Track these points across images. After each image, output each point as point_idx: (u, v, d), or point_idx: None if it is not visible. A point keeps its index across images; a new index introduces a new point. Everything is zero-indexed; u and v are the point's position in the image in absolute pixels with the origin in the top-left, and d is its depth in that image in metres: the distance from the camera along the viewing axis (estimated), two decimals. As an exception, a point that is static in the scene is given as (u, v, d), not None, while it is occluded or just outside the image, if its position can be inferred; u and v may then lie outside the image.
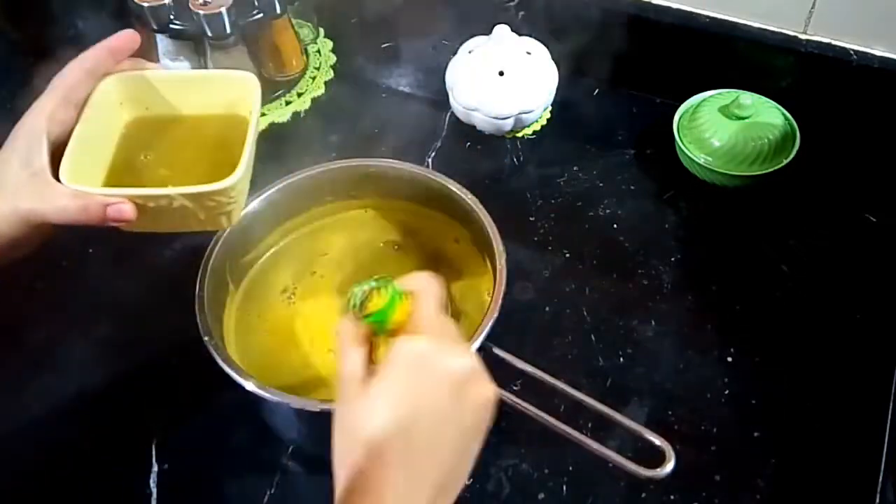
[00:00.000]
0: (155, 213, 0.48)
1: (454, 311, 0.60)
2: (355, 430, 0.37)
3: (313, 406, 0.50)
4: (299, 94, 0.84)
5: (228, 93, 0.53)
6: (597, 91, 0.83)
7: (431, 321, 0.40)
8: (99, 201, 0.45)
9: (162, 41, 0.77)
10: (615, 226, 0.72)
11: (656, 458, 0.47)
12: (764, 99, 0.73)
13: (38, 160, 0.45)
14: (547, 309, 0.66)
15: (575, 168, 0.76)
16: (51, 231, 0.47)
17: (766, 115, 0.72)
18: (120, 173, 0.51)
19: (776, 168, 0.70)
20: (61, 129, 0.47)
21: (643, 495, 0.56)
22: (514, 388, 0.55)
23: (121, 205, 0.45)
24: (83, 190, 0.45)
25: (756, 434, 0.59)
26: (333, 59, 0.88)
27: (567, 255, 0.70)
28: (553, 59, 0.78)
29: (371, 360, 0.40)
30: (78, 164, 0.47)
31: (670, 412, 0.60)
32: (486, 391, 0.40)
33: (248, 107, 0.52)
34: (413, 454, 0.37)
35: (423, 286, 0.42)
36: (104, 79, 0.50)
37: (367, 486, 0.36)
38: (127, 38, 0.50)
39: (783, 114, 0.73)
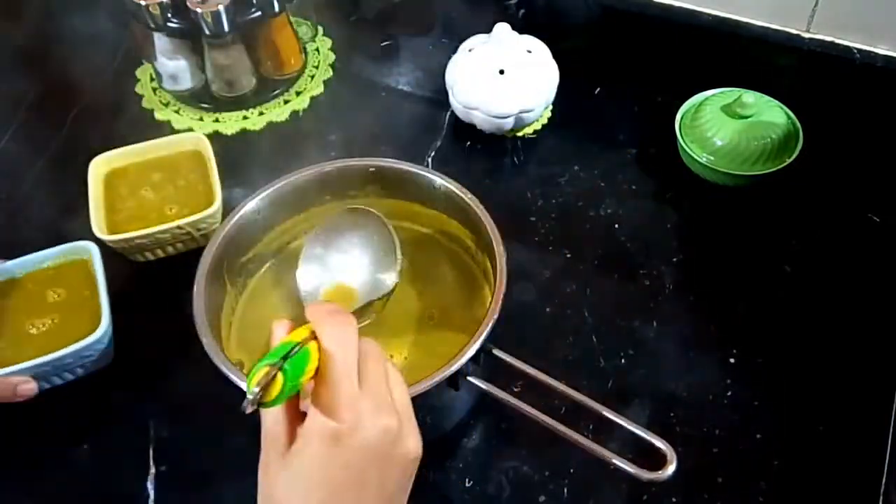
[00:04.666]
0: (160, 243, 0.65)
1: (442, 314, 0.60)
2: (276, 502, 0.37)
3: (312, 408, 0.49)
4: (298, 93, 0.84)
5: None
6: (598, 90, 0.83)
7: (342, 385, 0.37)
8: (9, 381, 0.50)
9: (160, 39, 0.77)
10: (616, 226, 0.71)
11: (658, 460, 0.47)
12: (766, 98, 0.72)
13: None
14: (548, 310, 0.66)
15: (576, 167, 0.76)
16: None
17: (768, 114, 0.71)
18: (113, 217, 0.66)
19: (779, 167, 0.69)
20: None
21: (645, 497, 0.56)
22: (515, 389, 0.55)
23: (25, 384, 0.53)
24: None
25: (758, 436, 0.58)
26: (332, 57, 0.87)
27: (568, 256, 0.69)
28: (554, 57, 0.77)
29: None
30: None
31: (672, 414, 0.59)
32: (409, 450, 0.39)
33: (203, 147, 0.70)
34: None
35: (335, 337, 0.38)
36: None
37: None
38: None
39: (786, 113, 0.72)
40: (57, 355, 0.57)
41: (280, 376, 0.36)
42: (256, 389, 0.35)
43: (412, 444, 0.39)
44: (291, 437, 0.38)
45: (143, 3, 0.72)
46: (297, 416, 0.39)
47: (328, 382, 0.37)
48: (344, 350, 0.38)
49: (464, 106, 0.76)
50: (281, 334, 0.40)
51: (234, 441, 0.59)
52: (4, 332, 0.60)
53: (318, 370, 0.38)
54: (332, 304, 0.41)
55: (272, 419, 0.38)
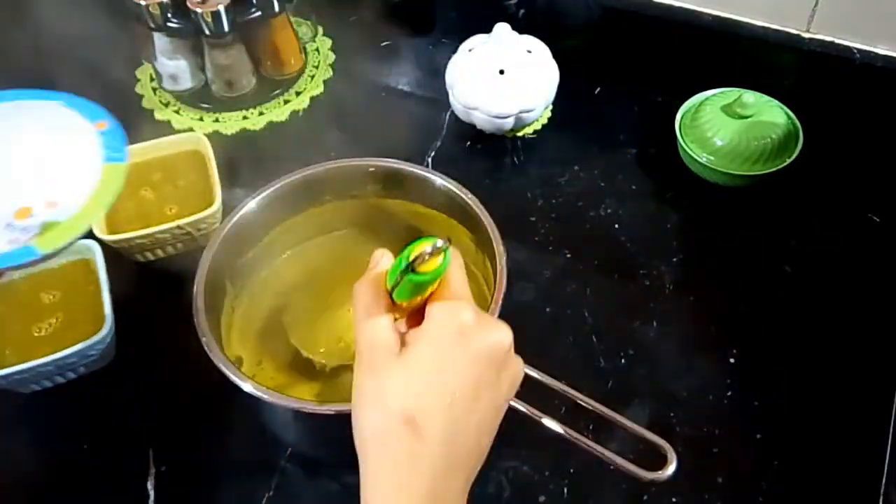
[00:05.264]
0: (160, 243, 0.65)
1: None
2: (391, 403, 0.35)
3: (312, 408, 0.49)
4: (298, 93, 0.83)
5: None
6: (598, 90, 0.83)
7: (466, 291, 0.39)
8: None
9: (159, 39, 0.77)
10: (616, 226, 0.71)
11: (658, 460, 0.47)
12: (766, 98, 0.72)
13: None
14: (548, 310, 0.66)
15: (576, 167, 0.76)
16: None
17: (768, 114, 0.71)
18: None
19: (779, 167, 0.69)
20: None
21: (645, 497, 0.55)
22: (515, 389, 0.55)
23: None
24: None
25: (758, 436, 0.58)
26: (332, 57, 0.87)
27: (568, 256, 0.69)
28: (554, 57, 0.77)
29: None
30: None
31: (672, 414, 0.59)
32: (518, 368, 0.40)
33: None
34: (454, 432, 0.36)
35: (453, 256, 0.39)
36: None
37: (404, 461, 0.35)
38: None
39: (786, 113, 0.72)
40: (60, 355, 0.57)
41: (442, 256, 0.36)
42: (431, 247, 0.36)
43: (519, 363, 0.40)
44: (401, 343, 0.37)
45: (143, 3, 0.72)
46: (405, 327, 0.39)
47: (450, 287, 0.38)
48: (458, 265, 0.39)
49: (464, 106, 0.76)
50: (387, 262, 0.40)
51: (234, 441, 0.59)
52: (9, 334, 0.60)
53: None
54: None
55: (382, 326, 0.37)
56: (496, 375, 0.38)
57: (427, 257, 0.36)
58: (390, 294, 0.38)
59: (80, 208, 0.46)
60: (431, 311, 0.37)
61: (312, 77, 0.85)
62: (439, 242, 0.36)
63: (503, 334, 0.38)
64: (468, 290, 0.39)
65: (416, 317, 0.39)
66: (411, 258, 0.36)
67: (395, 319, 0.39)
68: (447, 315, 0.37)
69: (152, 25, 0.74)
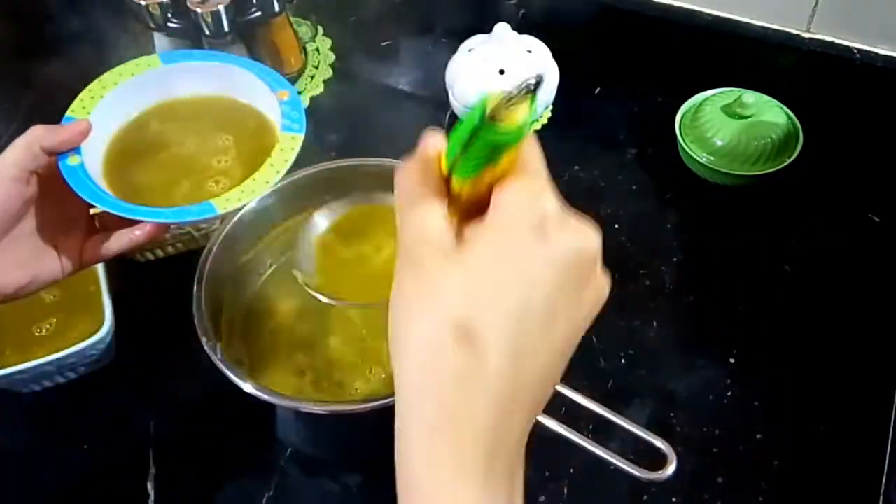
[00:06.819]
0: (160, 243, 0.61)
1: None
2: (441, 309, 0.27)
3: (312, 408, 0.49)
4: (298, 93, 0.83)
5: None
6: (598, 90, 0.83)
7: (544, 172, 0.29)
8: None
9: (160, 39, 0.77)
10: (616, 226, 0.71)
11: (658, 460, 0.47)
12: (766, 98, 0.72)
13: None
14: (548, 309, 0.65)
15: (576, 168, 0.76)
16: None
17: (768, 114, 0.71)
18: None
19: (779, 167, 0.69)
20: None
21: (645, 498, 0.55)
22: (515, 389, 0.55)
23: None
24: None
25: (758, 436, 0.58)
26: (332, 57, 0.87)
27: (568, 256, 0.69)
28: (554, 57, 0.77)
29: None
30: None
31: (672, 414, 0.59)
32: (604, 285, 0.32)
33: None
34: (520, 353, 0.27)
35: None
36: None
37: (454, 383, 0.27)
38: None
39: (786, 113, 0.72)
40: (60, 355, 0.57)
41: (526, 107, 0.27)
42: (532, 80, 0.26)
43: (606, 283, 0.32)
44: (461, 236, 0.29)
45: (143, 3, 0.72)
46: (462, 214, 0.30)
47: (530, 165, 0.29)
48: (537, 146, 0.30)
49: (464, 106, 0.76)
50: (438, 142, 0.30)
51: (234, 441, 0.59)
52: (9, 334, 0.61)
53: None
54: None
55: (434, 213, 0.29)
56: (577, 290, 0.30)
57: (512, 101, 0.27)
58: (447, 180, 0.30)
59: (254, 173, 0.47)
60: (501, 197, 0.28)
61: (312, 77, 0.85)
62: (532, 79, 0.27)
63: (591, 238, 0.30)
64: (546, 171, 0.30)
65: (473, 212, 0.29)
66: (489, 107, 0.27)
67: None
68: (524, 201, 0.28)
69: (152, 25, 0.74)
